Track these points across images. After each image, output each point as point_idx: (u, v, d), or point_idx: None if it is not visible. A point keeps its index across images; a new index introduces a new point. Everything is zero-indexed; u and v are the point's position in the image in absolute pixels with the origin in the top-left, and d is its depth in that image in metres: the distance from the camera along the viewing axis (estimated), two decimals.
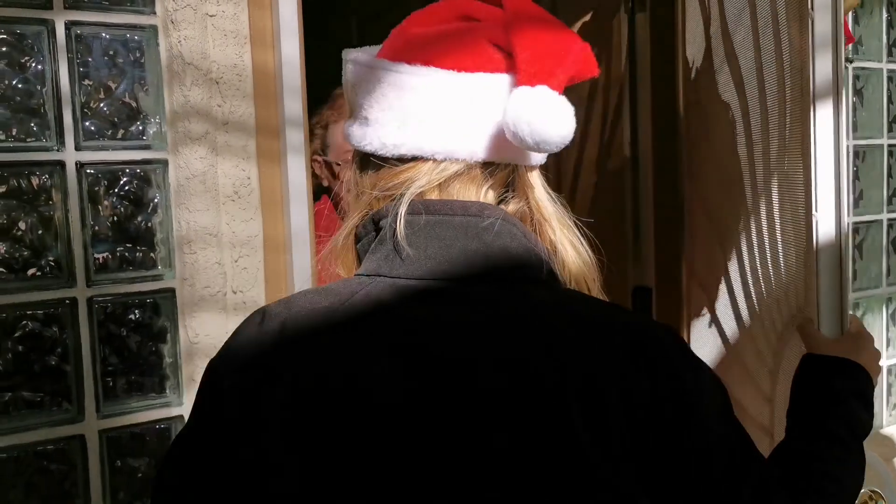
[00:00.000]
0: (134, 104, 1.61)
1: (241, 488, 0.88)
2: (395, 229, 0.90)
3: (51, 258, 1.56)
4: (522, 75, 0.89)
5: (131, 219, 1.62)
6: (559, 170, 2.52)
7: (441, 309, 0.88)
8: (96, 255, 1.59)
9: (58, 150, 1.54)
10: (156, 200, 1.63)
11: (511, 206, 0.96)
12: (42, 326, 1.55)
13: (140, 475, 1.64)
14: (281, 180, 1.70)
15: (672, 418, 0.86)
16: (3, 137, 1.51)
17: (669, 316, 2.22)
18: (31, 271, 1.55)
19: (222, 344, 0.96)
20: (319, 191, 2.12)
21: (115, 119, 1.60)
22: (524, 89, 0.88)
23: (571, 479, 0.83)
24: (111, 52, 1.59)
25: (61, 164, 1.54)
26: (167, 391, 1.66)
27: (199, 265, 1.62)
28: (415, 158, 0.92)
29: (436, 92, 0.91)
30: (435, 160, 0.92)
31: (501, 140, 0.91)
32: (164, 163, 1.62)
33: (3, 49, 1.51)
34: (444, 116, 0.91)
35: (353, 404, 0.84)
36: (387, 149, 0.93)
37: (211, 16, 1.62)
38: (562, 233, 0.96)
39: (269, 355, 0.89)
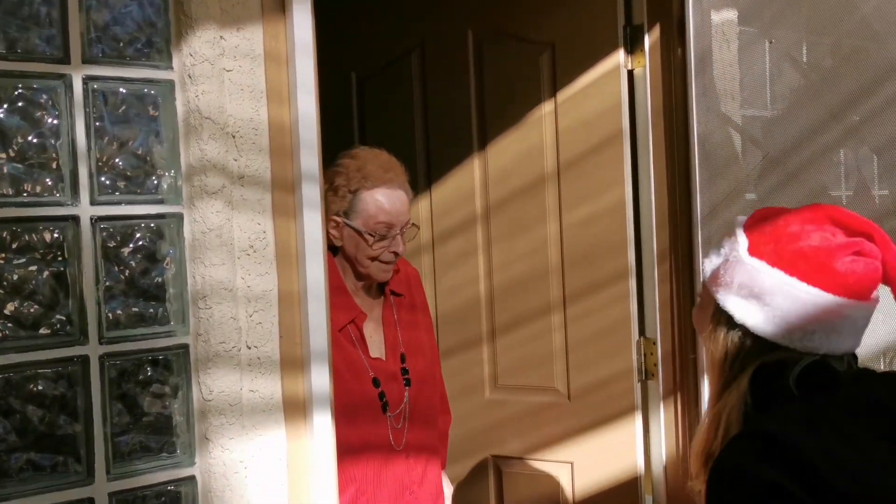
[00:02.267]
0: (150, 158, 1.60)
1: None
2: None
3: (62, 315, 1.52)
4: None
5: (145, 274, 1.59)
6: (561, 228, 2.53)
7: None
8: (108, 312, 1.56)
9: (72, 205, 1.52)
10: (169, 255, 1.61)
11: None
12: (52, 385, 1.51)
13: None
14: (296, 234, 1.69)
15: None
16: (15, 193, 1.48)
17: None
18: (42, 329, 1.51)
19: None
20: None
21: (131, 173, 1.58)
22: None
23: None
24: (128, 107, 1.58)
25: (75, 219, 1.52)
26: (178, 451, 1.61)
27: (214, 320, 1.60)
28: None
29: None
30: None
31: None
32: (180, 217, 1.60)
33: (20, 104, 1.49)
34: None
35: None
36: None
37: (228, 70, 1.62)
38: None
39: None
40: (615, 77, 2.41)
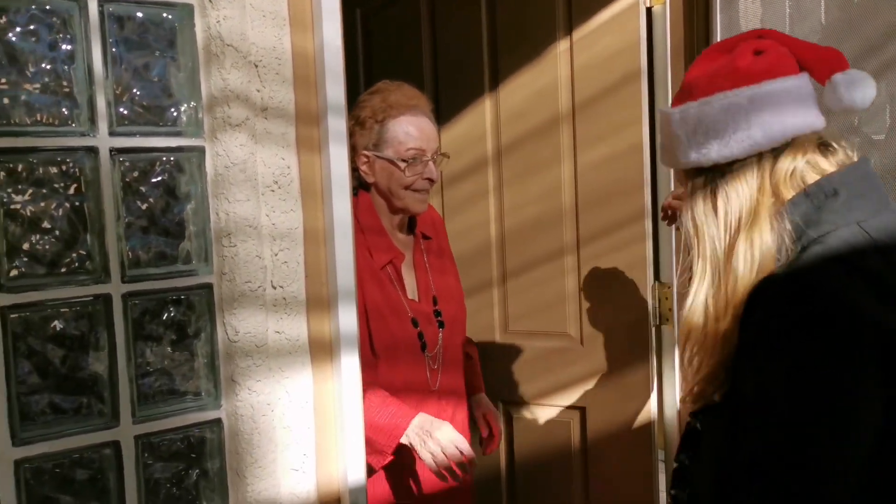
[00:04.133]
0: (169, 88, 1.51)
1: None
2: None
3: (83, 251, 1.45)
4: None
5: (166, 210, 1.52)
6: (575, 169, 2.47)
7: None
8: (129, 250, 1.49)
9: (91, 136, 1.44)
10: (190, 190, 1.54)
11: None
12: (73, 325, 1.44)
13: (174, 481, 1.53)
14: (321, 169, 1.62)
15: None
16: (31, 122, 1.40)
17: None
18: (61, 266, 1.43)
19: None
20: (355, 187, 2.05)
21: (149, 104, 1.50)
22: None
23: None
24: (145, 32, 1.49)
25: (94, 151, 1.44)
26: (203, 393, 1.55)
27: (240, 259, 1.53)
28: None
29: None
30: None
31: None
32: (201, 150, 1.53)
33: (32, 27, 1.40)
34: None
35: None
36: None
37: None
38: None
39: None
40: (634, 14, 2.34)
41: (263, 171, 1.57)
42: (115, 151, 1.46)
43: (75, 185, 1.44)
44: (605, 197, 2.43)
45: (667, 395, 2.43)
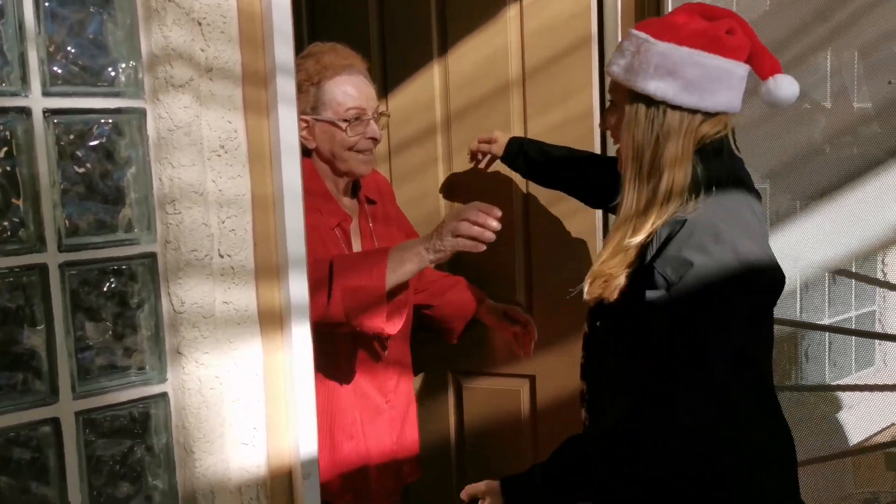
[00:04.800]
0: (105, 45, 1.43)
1: None
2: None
3: (16, 219, 1.37)
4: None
5: (105, 176, 1.45)
6: (525, 136, 2.45)
7: None
8: (66, 217, 1.41)
9: (23, 96, 1.35)
10: (131, 155, 1.46)
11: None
12: (7, 297, 1.36)
13: (118, 458, 1.47)
14: (269, 133, 1.56)
15: None
16: None
17: None
18: None
19: None
20: None
21: (85, 62, 1.42)
22: None
23: None
24: None
25: (26, 111, 1.36)
26: (147, 367, 1.49)
27: (185, 226, 1.47)
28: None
29: None
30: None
31: None
32: (142, 112, 1.45)
33: None
34: None
35: None
36: None
37: None
38: None
39: None
40: None
41: (209, 134, 1.50)
42: (49, 112, 1.38)
43: (6, 149, 1.36)
44: None
45: None
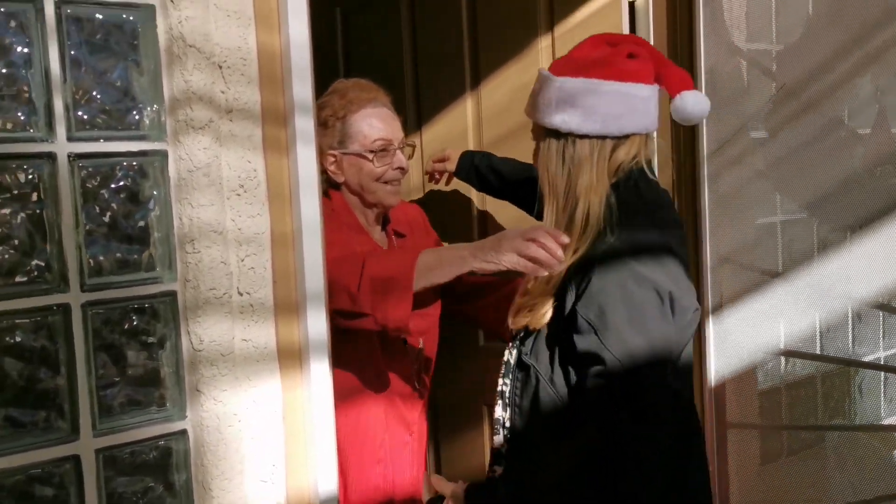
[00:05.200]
0: (130, 91, 1.47)
1: None
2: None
3: (41, 261, 1.41)
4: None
5: (128, 216, 1.48)
6: None
7: None
8: (90, 257, 1.45)
9: (48, 142, 1.40)
10: (154, 195, 1.50)
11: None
12: (32, 336, 1.40)
13: (138, 496, 1.49)
14: (289, 171, 1.58)
15: None
16: None
17: None
18: (18, 276, 1.39)
19: None
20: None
21: (110, 107, 1.46)
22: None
23: None
24: (105, 34, 1.45)
25: (52, 157, 1.40)
26: (168, 404, 1.51)
27: (203, 265, 1.49)
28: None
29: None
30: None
31: None
32: (164, 154, 1.49)
33: None
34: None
35: None
36: None
37: None
38: None
39: None
40: (616, 9, 2.29)
41: (228, 174, 1.53)
42: (74, 157, 1.42)
43: (33, 193, 1.40)
44: None
45: None
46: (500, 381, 1.66)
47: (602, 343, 1.44)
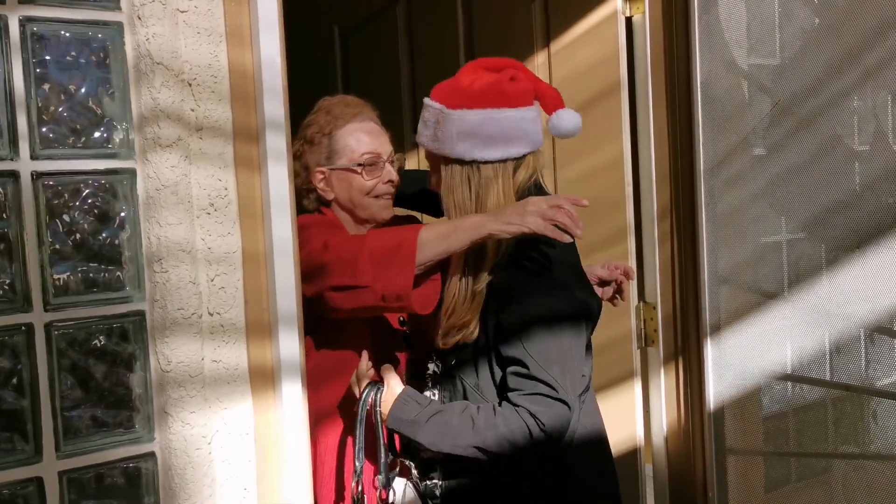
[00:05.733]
0: (97, 109, 1.46)
1: None
2: None
3: (3, 280, 1.39)
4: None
5: (95, 235, 1.46)
6: (556, 185, 2.39)
7: None
8: (56, 276, 1.43)
9: (11, 160, 1.38)
10: (122, 214, 1.48)
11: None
12: None
13: None
14: (261, 189, 1.55)
15: None
16: None
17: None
18: None
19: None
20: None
21: (77, 125, 1.45)
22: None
23: None
24: (71, 52, 1.44)
25: (14, 175, 1.39)
26: (136, 426, 1.49)
27: (171, 285, 1.47)
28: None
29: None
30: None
31: None
32: (132, 172, 1.47)
33: None
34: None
35: None
36: None
37: (182, 11, 1.48)
38: None
39: None
40: (612, 24, 2.26)
41: (198, 192, 1.51)
42: (38, 175, 1.40)
43: None
44: (587, 213, 2.32)
45: (654, 419, 2.32)
46: (429, 392, 1.75)
47: (525, 349, 1.55)
